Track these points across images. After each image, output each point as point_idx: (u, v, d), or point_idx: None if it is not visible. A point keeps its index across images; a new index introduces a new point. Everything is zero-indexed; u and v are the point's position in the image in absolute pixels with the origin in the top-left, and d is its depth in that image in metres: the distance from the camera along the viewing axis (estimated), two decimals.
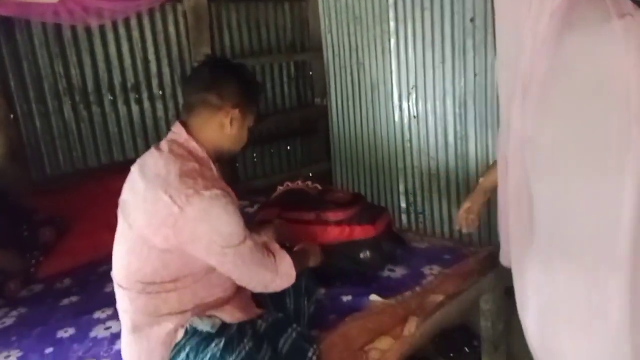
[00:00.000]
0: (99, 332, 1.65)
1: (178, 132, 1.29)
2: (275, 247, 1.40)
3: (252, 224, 1.70)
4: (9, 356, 1.57)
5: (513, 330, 2.22)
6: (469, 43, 2.43)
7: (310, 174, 3.33)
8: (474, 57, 2.43)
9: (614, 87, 0.94)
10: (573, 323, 1.10)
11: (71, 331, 1.67)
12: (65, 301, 1.90)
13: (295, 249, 1.52)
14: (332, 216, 1.75)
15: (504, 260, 1.38)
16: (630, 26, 0.92)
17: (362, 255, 1.71)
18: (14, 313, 1.84)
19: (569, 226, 1.05)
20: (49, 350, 1.58)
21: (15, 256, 2.04)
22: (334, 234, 1.72)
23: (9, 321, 1.79)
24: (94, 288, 1.97)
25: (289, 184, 2.03)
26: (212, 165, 1.29)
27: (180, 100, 2.99)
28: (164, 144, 1.28)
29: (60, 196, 2.36)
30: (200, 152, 1.27)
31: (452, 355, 2.17)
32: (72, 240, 2.22)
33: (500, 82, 1.17)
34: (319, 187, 2.00)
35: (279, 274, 1.34)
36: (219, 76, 1.29)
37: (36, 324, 1.74)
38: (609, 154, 0.97)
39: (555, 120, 1.02)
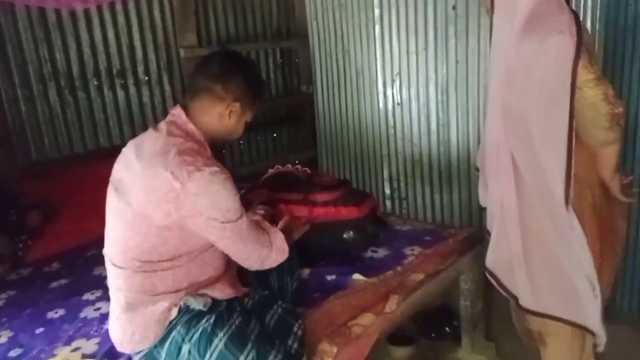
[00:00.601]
0: (88, 312, 1.68)
1: (177, 114, 1.34)
2: (266, 224, 1.48)
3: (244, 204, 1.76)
4: None
5: (492, 309, 2.32)
6: (451, 30, 2.47)
7: (297, 161, 3.36)
8: (456, 45, 2.47)
9: (551, 83, 1.31)
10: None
11: (61, 312, 1.70)
12: (54, 284, 1.92)
13: (279, 225, 1.57)
14: (319, 197, 1.80)
15: (482, 201, 1.71)
16: (559, 41, 1.28)
17: (345, 235, 1.77)
18: (3, 295, 1.87)
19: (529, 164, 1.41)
20: (40, 330, 1.61)
21: (3, 240, 2.05)
22: (320, 214, 1.77)
23: None
24: (82, 271, 2.00)
25: (279, 166, 2.08)
26: (208, 149, 1.34)
27: (166, 87, 3.00)
28: (162, 125, 1.33)
29: (47, 181, 2.37)
30: (198, 135, 1.32)
31: (433, 335, 2.25)
32: (60, 224, 2.24)
33: (492, 64, 1.50)
34: (308, 170, 2.06)
35: (273, 249, 1.40)
36: (228, 68, 1.34)
37: (26, 305, 1.76)
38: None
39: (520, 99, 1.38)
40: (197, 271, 1.33)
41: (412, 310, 1.72)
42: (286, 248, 1.45)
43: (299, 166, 2.08)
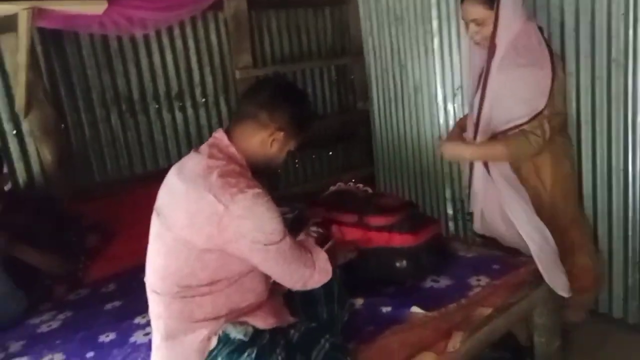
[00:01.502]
0: (138, 337, 1.67)
1: (220, 137, 1.32)
2: (310, 243, 1.43)
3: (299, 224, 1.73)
4: (52, 359, 1.61)
5: (570, 347, 2.07)
6: None
7: (353, 180, 3.26)
8: None
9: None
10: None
11: (112, 336, 1.70)
12: (109, 305, 1.94)
13: (325, 247, 1.50)
14: (374, 221, 1.70)
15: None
16: (540, 74, 1.69)
17: (398, 264, 1.64)
18: (60, 316, 1.90)
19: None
20: (90, 354, 1.61)
21: (63, 260, 2.10)
22: (373, 239, 1.67)
23: (55, 324, 1.84)
24: (135, 293, 1.97)
25: (341, 184, 2.02)
26: (249, 173, 1.31)
27: (223, 108, 3.02)
28: (203, 147, 1.32)
29: (106, 202, 2.43)
30: (239, 159, 1.30)
31: None
32: (117, 245, 2.28)
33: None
34: (369, 190, 1.97)
35: (316, 270, 1.35)
36: (277, 96, 1.33)
37: (80, 327, 1.78)
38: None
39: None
40: (237, 297, 1.28)
41: (478, 349, 1.54)
42: (329, 269, 1.39)
43: (360, 185, 1.99)
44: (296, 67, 3.28)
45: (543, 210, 1.76)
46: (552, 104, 1.68)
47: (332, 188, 2.01)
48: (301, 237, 1.53)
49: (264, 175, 1.34)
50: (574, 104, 2.16)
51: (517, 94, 1.70)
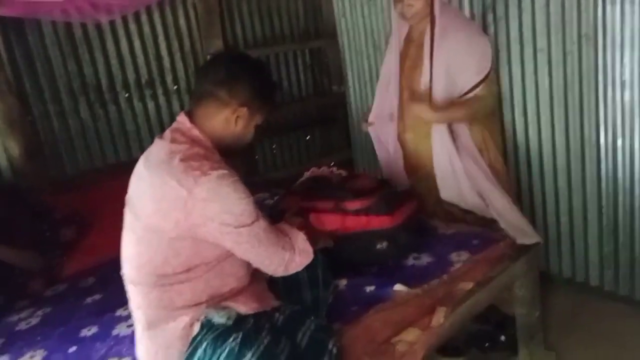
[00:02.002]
0: (120, 329, 1.64)
1: (181, 120, 1.28)
2: (286, 226, 1.39)
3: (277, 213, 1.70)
4: (34, 356, 1.57)
5: (550, 317, 2.14)
6: (489, 18, 2.30)
7: (332, 163, 3.26)
8: (495, 33, 2.30)
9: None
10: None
11: (94, 329, 1.66)
12: (89, 299, 1.89)
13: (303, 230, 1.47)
14: (350, 205, 1.68)
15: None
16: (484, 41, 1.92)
17: (378, 246, 1.64)
18: (39, 312, 1.85)
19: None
20: (72, 349, 1.57)
21: (37, 255, 2.04)
22: (351, 224, 1.66)
23: (34, 320, 1.80)
24: (116, 285, 1.91)
25: (315, 169, 1.98)
26: (217, 154, 1.27)
27: None
28: (167, 133, 1.28)
29: (80, 194, 2.36)
30: (204, 141, 1.26)
31: (486, 345, 2.08)
32: (93, 238, 2.22)
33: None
34: (344, 173, 1.95)
35: (296, 252, 1.32)
36: (233, 72, 1.27)
37: (60, 322, 1.74)
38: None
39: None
40: (217, 282, 1.26)
41: (462, 322, 1.57)
42: (310, 249, 1.36)
43: (334, 168, 1.97)
44: (269, 50, 3.23)
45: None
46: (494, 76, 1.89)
47: (307, 174, 1.97)
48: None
49: (237, 157, 1.32)
50: (546, 80, 2.19)
51: (465, 57, 1.83)
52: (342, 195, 1.71)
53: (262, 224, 1.24)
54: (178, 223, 1.16)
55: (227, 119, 1.27)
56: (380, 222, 1.65)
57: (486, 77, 1.86)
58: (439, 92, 1.87)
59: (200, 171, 1.15)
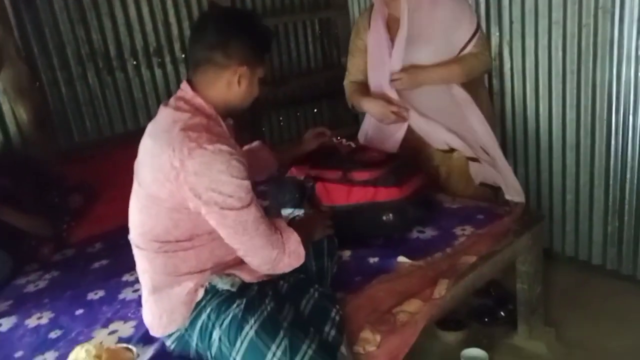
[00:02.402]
0: (127, 294, 1.67)
1: (184, 89, 1.24)
2: (282, 224, 1.31)
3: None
4: (40, 317, 1.61)
5: (551, 293, 2.15)
6: None
7: (338, 137, 3.24)
8: (510, 4, 2.25)
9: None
10: None
11: (101, 293, 1.70)
12: (96, 264, 1.93)
13: (298, 220, 1.46)
14: (357, 176, 1.68)
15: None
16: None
17: (384, 218, 1.64)
18: (47, 276, 1.89)
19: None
20: (79, 311, 1.61)
21: (47, 221, 2.07)
22: (358, 195, 1.66)
23: (42, 284, 1.84)
24: (122, 252, 1.94)
25: (325, 135, 1.95)
26: (222, 122, 1.24)
27: None
28: (171, 101, 1.25)
29: (88, 162, 2.38)
30: (207, 109, 1.22)
31: (486, 319, 2.10)
32: (101, 205, 2.25)
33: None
34: (353, 144, 1.93)
35: (286, 252, 1.25)
36: (224, 32, 1.21)
37: (67, 286, 1.78)
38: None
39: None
40: (221, 251, 1.25)
41: (463, 295, 1.58)
42: (302, 252, 1.28)
43: (343, 140, 1.95)
44: (278, 20, 3.17)
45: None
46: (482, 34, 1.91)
47: (310, 131, 1.89)
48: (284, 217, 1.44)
49: (244, 116, 1.26)
50: (559, 54, 2.14)
51: (459, 15, 1.84)
52: (350, 166, 1.71)
53: (253, 212, 1.17)
54: (172, 194, 1.14)
55: (229, 82, 1.22)
56: (387, 194, 1.65)
57: (477, 30, 1.86)
58: (433, 58, 1.87)
59: (196, 143, 1.11)
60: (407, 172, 1.77)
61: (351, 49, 2.10)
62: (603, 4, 1.96)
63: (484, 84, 2.18)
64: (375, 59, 1.97)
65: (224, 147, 1.13)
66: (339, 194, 1.67)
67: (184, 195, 1.14)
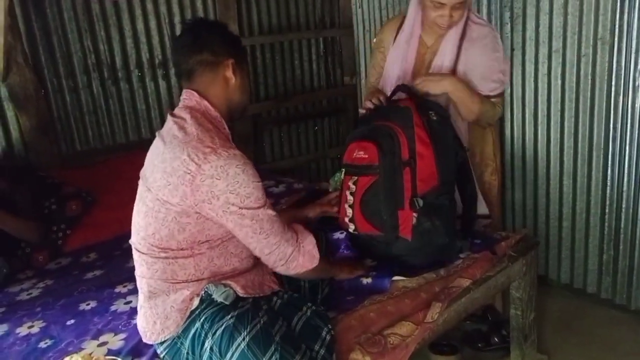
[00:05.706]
0: (119, 305, 1.66)
1: (188, 97, 1.30)
2: (299, 226, 1.37)
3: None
4: (32, 326, 1.60)
5: (544, 320, 2.13)
6: (506, 16, 2.28)
7: (338, 155, 3.26)
8: (511, 32, 2.28)
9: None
10: None
11: (93, 304, 1.69)
12: (89, 274, 1.92)
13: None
14: None
15: None
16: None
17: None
18: (41, 284, 1.88)
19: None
20: (71, 321, 1.60)
21: (42, 228, 2.08)
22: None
23: (35, 292, 1.83)
24: (117, 262, 1.98)
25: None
26: (225, 126, 1.30)
27: None
28: (178, 110, 1.30)
29: (87, 171, 2.40)
30: (213, 112, 1.29)
31: (479, 345, 2.09)
32: (98, 214, 2.25)
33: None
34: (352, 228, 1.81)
35: (300, 251, 1.31)
36: (204, 35, 1.30)
37: (60, 295, 1.77)
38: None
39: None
40: (220, 261, 1.28)
41: (456, 319, 1.57)
42: (316, 254, 1.34)
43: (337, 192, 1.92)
44: (284, 37, 3.22)
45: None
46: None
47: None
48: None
49: (243, 119, 1.33)
50: (558, 82, 2.17)
51: (489, 64, 1.77)
52: None
53: (269, 212, 1.24)
54: (184, 197, 1.18)
55: (226, 77, 1.30)
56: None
57: (502, 92, 1.83)
58: None
59: (211, 148, 1.18)
60: None
61: (372, 54, 2.09)
62: (602, 35, 1.99)
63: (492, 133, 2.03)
64: (393, 77, 1.91)
65: (237, 152, 1.21)
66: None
67: (197, 198, 1.18)
